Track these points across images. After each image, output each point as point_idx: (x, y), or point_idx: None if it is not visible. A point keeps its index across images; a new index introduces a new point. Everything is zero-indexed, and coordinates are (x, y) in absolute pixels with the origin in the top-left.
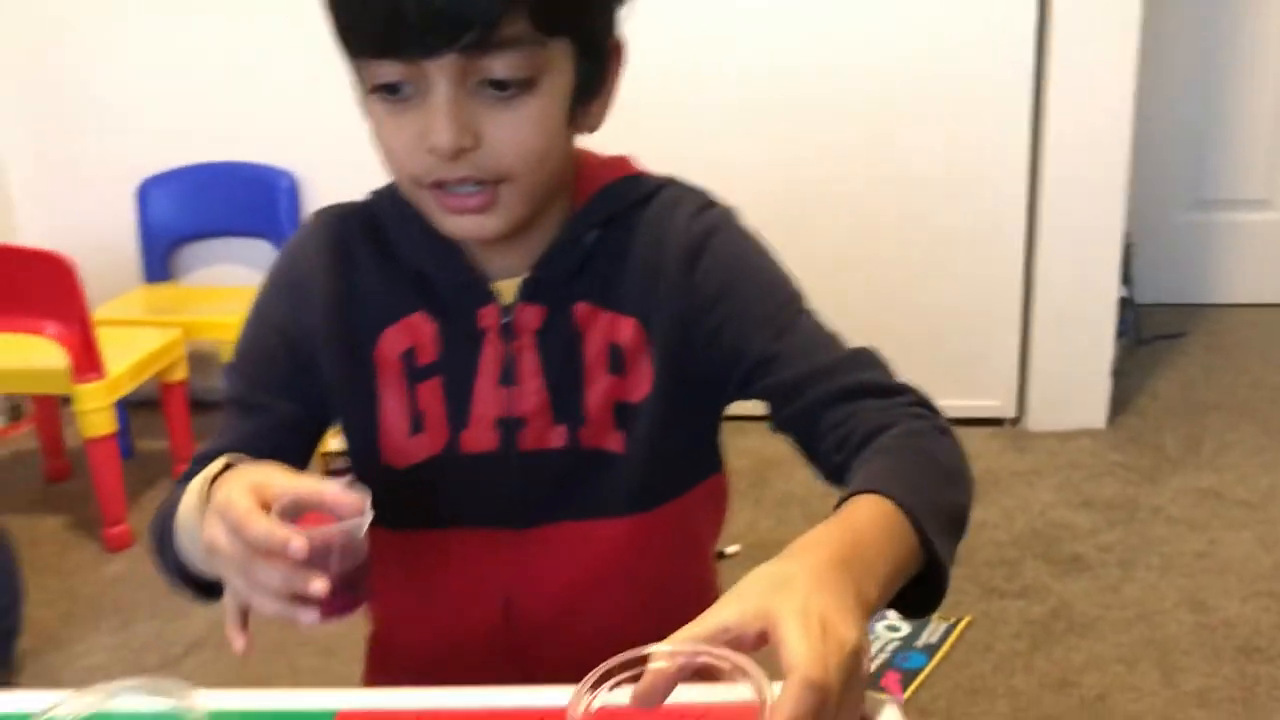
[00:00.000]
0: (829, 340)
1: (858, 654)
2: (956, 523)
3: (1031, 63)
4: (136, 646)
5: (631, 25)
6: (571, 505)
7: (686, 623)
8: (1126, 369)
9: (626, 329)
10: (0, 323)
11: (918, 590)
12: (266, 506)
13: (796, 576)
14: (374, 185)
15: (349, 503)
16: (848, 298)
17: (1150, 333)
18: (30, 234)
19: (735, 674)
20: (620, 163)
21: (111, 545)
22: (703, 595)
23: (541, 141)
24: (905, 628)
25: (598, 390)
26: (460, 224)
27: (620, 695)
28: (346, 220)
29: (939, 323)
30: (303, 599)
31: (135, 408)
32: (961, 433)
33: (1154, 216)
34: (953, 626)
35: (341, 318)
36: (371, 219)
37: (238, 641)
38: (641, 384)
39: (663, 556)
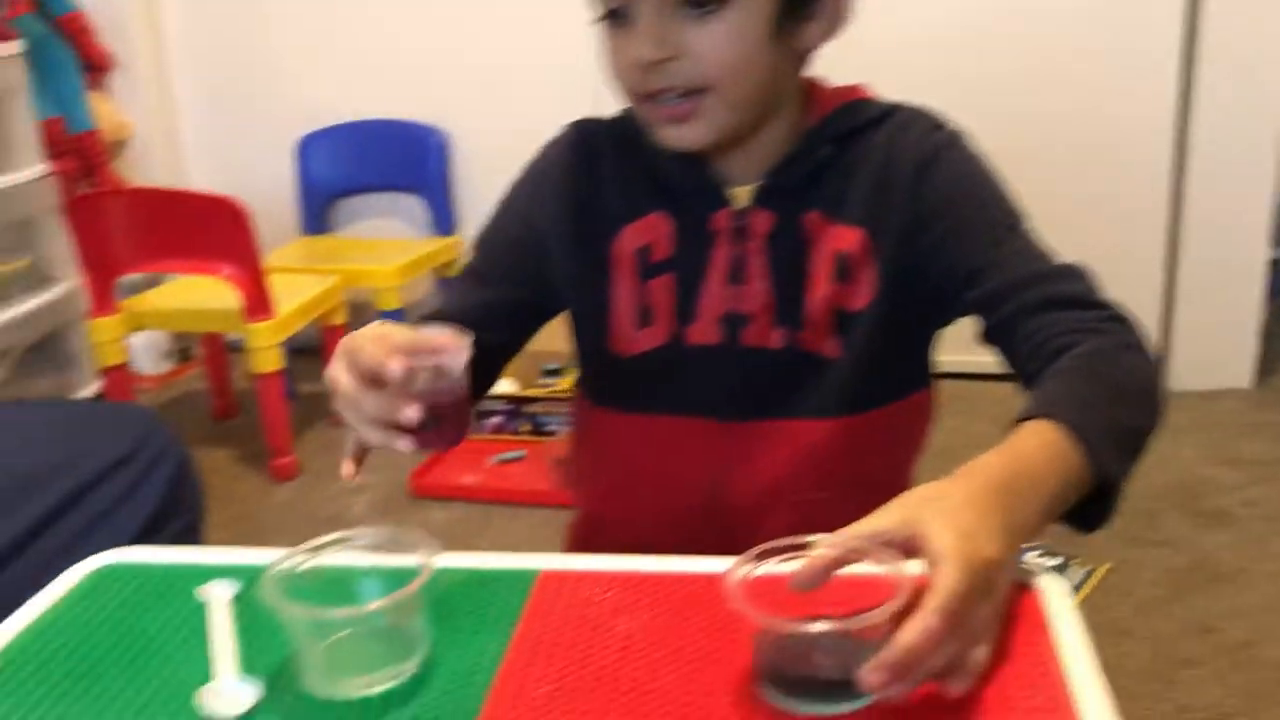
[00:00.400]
0: (1039, 254)
1: (993, 567)
2: (1131, 440)
3: (1182, 13)
4: None
5: None
6: (784, 403)
7: None
8: (1277, 331)
9: (853, 239)
10: (181, 264)
11: (1090, 506)
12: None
13: (951, 494)
14: (517, 142)
15: (449, 342)
16: None
17: None
18: (197, 185)
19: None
20: (853, 89)
21: (279, 475)
22: None
23: (738, 53)
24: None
25: (820, 296)
26: (669, 133)
27: (777, 568)
28: (597, 129)
29: None
30: (400, 429)
31: (296, 354)
32: None
33: None
34: (1091, 572)
35: (582, 215)
36: (621, 129)
37: (346, 469)
38: (863, 293)
39: (865, 460)
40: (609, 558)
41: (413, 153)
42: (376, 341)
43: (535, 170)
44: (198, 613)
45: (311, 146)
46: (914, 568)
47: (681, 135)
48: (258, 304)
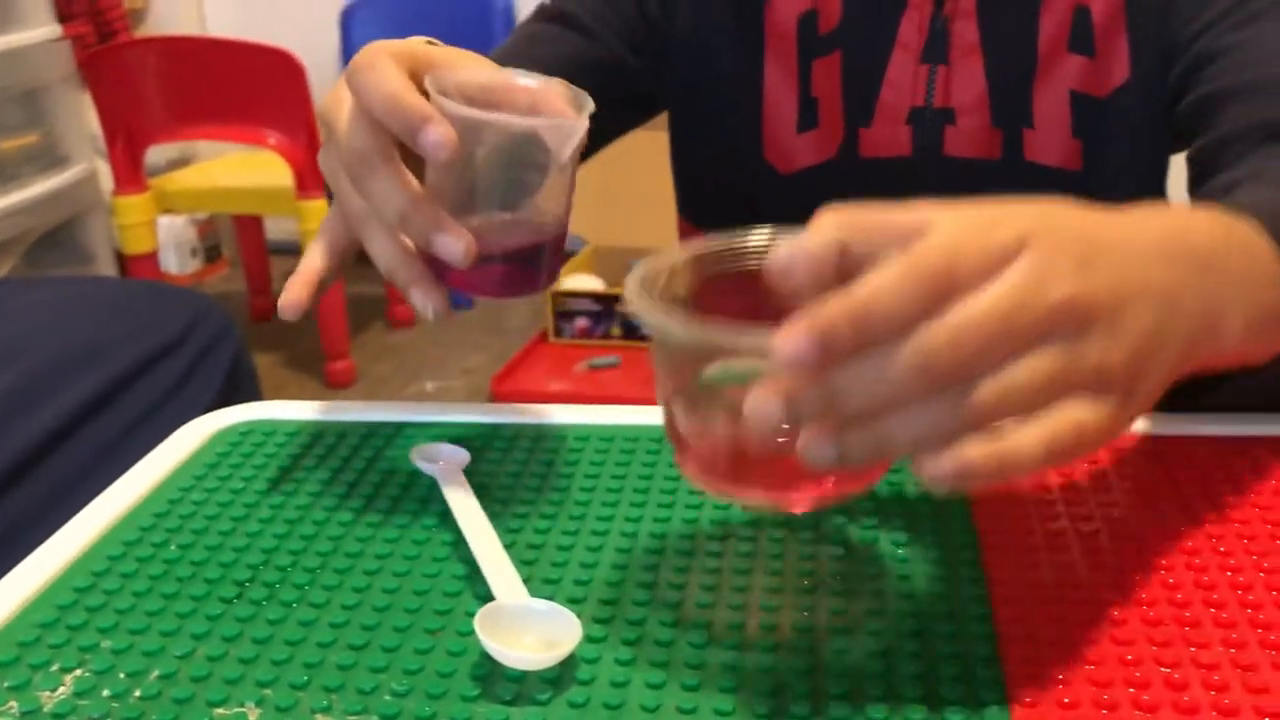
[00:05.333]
0: None
1: (1063, 306)
2: None
3: None
4: None
5: None
6: None
7: None
8: None
9: None
10: (221, 130)
11: None
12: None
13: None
14: None
15: (556, 104)
16: None
17: None
18: None
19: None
20: None
21: (334, 380)
22: None
23: None
24: None
25: (1055, 79)
26: None
27: None
28: None
29: None
30: (432, 263)
31: None
32: None
33: None
34: None
35: None
36: None
37: (290, 295)
38: (1113, 70)
39: None
40: None
41: (474, 20)
42: (410, 62)
43: None
44: (418, 487)
45: (357, 16)
46: None
47: None
48: (312, 179)
